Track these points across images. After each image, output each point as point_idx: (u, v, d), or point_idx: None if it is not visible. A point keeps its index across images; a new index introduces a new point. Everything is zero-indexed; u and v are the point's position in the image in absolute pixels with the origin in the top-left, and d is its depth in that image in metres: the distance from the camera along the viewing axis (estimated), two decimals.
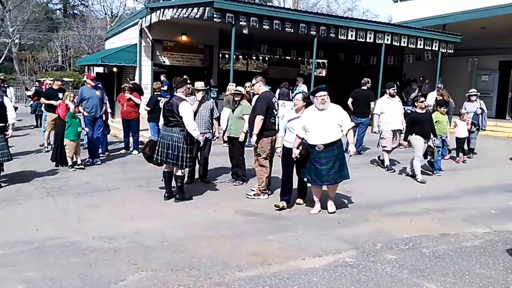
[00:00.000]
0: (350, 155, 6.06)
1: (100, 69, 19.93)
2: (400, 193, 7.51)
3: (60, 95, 10.70)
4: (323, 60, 23.41)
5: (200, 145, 7.21)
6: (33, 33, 38.31)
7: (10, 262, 4.26)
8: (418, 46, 16.00)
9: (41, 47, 39.74)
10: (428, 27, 16.70)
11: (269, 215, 5.96)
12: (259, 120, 6.48)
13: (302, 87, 14.56)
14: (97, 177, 8.00)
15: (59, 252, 4.54)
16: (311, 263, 4.44)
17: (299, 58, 20.82)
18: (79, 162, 8.66)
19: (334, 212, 6.09)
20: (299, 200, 6.59)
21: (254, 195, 6.76)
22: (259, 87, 6.91)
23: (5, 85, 16.60)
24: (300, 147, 5.94)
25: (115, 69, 16.86)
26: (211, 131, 7.71)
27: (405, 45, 15.78)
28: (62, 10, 48.78)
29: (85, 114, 9.24)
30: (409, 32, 15.70)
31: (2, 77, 18.28)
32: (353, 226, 5.67)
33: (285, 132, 6.33)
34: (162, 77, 14.49)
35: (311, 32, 13.67)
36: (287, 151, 6.23)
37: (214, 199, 6.74)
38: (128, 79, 13.82)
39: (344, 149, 6.25)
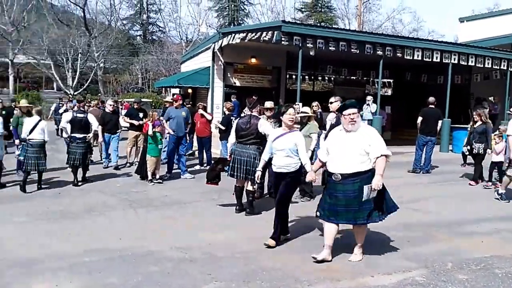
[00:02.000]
0: (372, 189, 4.64)
1: (176, 91, 21.09)
2: (470, 212, 7.29)
3: (141, 114, 11.56)
4: (388, 80, 23.07)
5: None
6: (116, 58, 41.43)
7: (96, 268, 4.66)
8: (486, 65, 15.50)
9: (123, 70, 42.76)
10: (495, 46, 16.12)
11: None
12: None
13: (373, 106, 14.49)
14: (174, 191, 8.52)
15: (139, 261, 4.89)
16: (380, 280, 4.44)
17: (365, 78, 20.75)
18: (157, 177, 9.25)
19: (360, 260, 4.95)
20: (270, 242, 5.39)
21: None
22: (338, 106, 7.07)
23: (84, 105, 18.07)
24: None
25: (190, 90, 17.80)
26: None
27: (473, 64, 15.35)
28: (142, 36, 52.28)
29: (171, 132, 9.76)
30: (476, 51, 15.31)
31: (81, 98, 19.93)
32: (422, 244, 5.58)
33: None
34: (233, 98, 15.08)
35: (377, 53, 13.67)
36: (275, 176, 5.65)
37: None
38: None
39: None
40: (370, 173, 4.70)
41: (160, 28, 52.78)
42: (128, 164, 11.34)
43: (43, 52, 36.50)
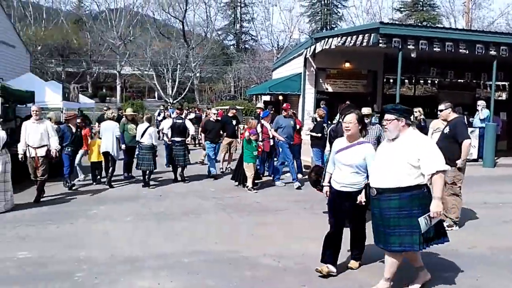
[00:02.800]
0: (430, 217, 3.84)
1: (267, 98, 21.37)
2: None
3: (234, 121, 11.83)
4: (503, 83, 21.06)
5: None
6: (211, 67, 43.25)
7: (195, 270, 4.82)
8: None
9: (217, 79, 44.48)
10: None
11: (451, 252, 5.31)
12: (467, 144, 6.25)
13: (484, 112, 13.33)
14: (266, 198, 8.58)
15: (234, 265, 4.96)
16: None
17: (474, 81, 19.14)
18: (248, 183, 9.35)
19: None
20: (352, 263, 4.89)
21: (447, 226, 6.21)
22: (449, 113, 6.66)
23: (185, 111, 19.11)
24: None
25: (280, 97, 17.91)
26: None
27: None
28: (235, 45, 53.98)
29: (282, 139, 9.82)
30: None
31: (180, 105, 21.12)
32: None
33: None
34: (322, 104, 14.85)
35: (490, 53, 12.54)
36: (336, 194, 4.65)
37: None
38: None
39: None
40: (417, 192, 3.90)
41: (253, 37, 54.23)
42: (220, 170, 11.65)
43: (146, 64, 39.28)
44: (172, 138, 10.22)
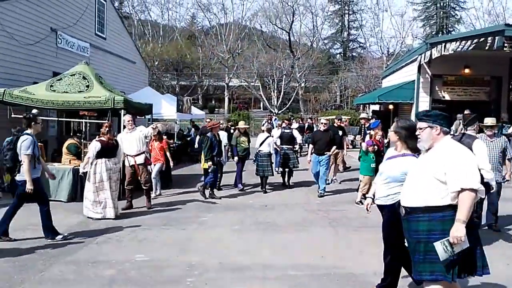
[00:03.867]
0: (450, 242, 3.24)
1: (376, 107, 20.57)
2: None
3: (340, 132, 11.52)
4: None
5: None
6: (316, 77, 43.07)
7: (301, 283, 4.70)
8: None
9: (323, 89, 44.13)
10: None
11: None
12: None
13: None
14: (374, 212, 8.12)
15: (341, 282, 4.75)
16: None
17: None
18: (358, 197, 8.94)
19: None
20: None
21: None
22: None
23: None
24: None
25: (391, 107, 17.09)
26: (502, 173, 6.82)
27: None
28: (342, 54, 53.23)
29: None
30: None
31: (290, 117, 21.27)
32: None
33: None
34: (371, 116, 13.82)
35: None
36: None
37: (509, 251, 5.88)
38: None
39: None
40: (449, 212, 3.31)
41: (361, 44, 53.05)
42: (328, 181, 11.37)
43: (253, 75, 40.46)
44: (281, 146, 11.01)
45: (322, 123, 10.61)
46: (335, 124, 12.10)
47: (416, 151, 4.02)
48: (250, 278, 4.84)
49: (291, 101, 39.58)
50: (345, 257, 5.59)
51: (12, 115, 9.53)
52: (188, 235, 6.55)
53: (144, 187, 8.41)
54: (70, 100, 9.29)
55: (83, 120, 10.67)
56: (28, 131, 6.17)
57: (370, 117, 13.36)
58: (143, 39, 43.29)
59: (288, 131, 11.40)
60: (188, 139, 16.69)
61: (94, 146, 7.41)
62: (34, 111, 9.64)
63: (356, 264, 5.32)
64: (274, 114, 34.25)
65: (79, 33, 14.36)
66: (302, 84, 41.62)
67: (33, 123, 6.22)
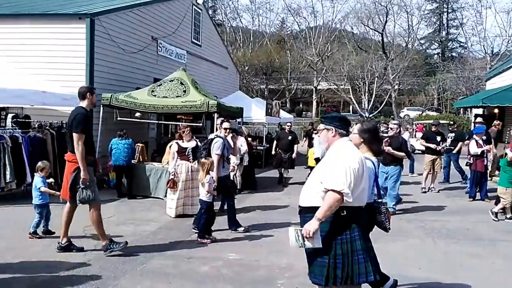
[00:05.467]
0: (303, 236, 3.25)
1: (479, 111, 19.13)
2: None
3: (438, 138, 10.88)
4: None
5: None
6: (411, 79, 41.12)
7: None
8: None
9: (419, 91, 42.07)
10: None
11: None
12: None
13: None
14: (478, 225, 7.56)
15: None
16: None
17: None
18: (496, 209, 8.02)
19: None
20: None
21: None
22: None
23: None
24: None
25: (496, 110, 15.78)
26: None
27: None
28: (440, 54, 50.36)
29: None
30: None
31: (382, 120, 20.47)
32: None
33: None
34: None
35: None
36: None
37: None
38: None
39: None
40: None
41: (461, 44, 49.84)
42: (422, 190, 10.81)
43: (342, 78, 39.75)
44: None
45: (390, 128, 8.91)
46: (433, 129, 11.47)
47: (378, 155, 4.07)
48: None
49: (383, 104, 38.22)
50: (443, 271, 5.26)
51: (118, 118, 10.36)
52: (277, 237, 6.59)
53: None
54: (169, 104, 9.87)
55: (180, 123, 11.26)
56: (221, 134, 7.10)
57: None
58: (234, 45, 44.66)
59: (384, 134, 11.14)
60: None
61: (173, 148, 7.83)
62: (137, 114, 10.41)
63: (456, 279, 4.99)
64: (365, 118, 33.36)
65: (177, 41, 15.19)
66: (396, 87, 40.00)
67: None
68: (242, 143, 9.69)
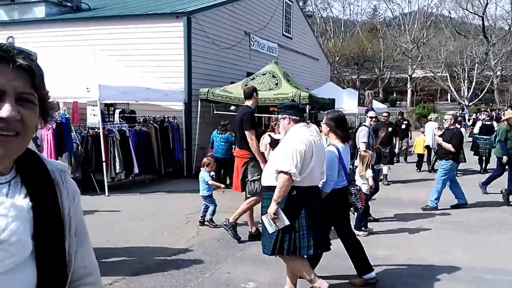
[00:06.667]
0: (272, 219, 3.64)
1: None
2: None
3: None
4: None
5: None
6: None
7: None
8: None
9: None
10: None
11: None
12: None
13: None
14: None
15: None
16: None
17: None
18: None
19: None
20: None
21: None
22: None
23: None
24: None
25: None
26: None
27: None
28: None
29: None
30: None
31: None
32: None
33: None
34: None
35: None
36: None
37: None
38: None
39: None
40: (274, 191, 3.65)
41: None
42: None
43: (440, 66, 37.45)
44: (479, 136, 12.07)
45: (445, 119, 8.41)
46: None
47: (346, 140, 4.37)
48: (443, 279, 4.56)
49: (484, 91, 35.37)
50: None
51: (215, 112, 10.82)
52: (374, 228, 6.46)
53: None
54: (262, 97, 10.04)
55: (273, 116, 11.45)
56: (366, 123, 7.28)
57: None
58: (324, 36, 44.09)
59: (488, 123, 12.32)
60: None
61: (265, 140, 7.91)
62: (232, 107, 10.78)
63: None
64: (465, 106, 31.21)
65: (269, 34, 15.41)
66: (498, 73, 36.77)
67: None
68: None
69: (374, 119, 7.40)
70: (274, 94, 10.01)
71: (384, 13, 51.26)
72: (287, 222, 3.60)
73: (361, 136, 6.92)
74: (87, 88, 8.39)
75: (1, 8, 13.41)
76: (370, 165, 6.12)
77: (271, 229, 3.67)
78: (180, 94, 10.73)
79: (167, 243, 5.71)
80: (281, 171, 3.57)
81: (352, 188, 4.35)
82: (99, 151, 8.57)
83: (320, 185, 3.97)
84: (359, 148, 6.86)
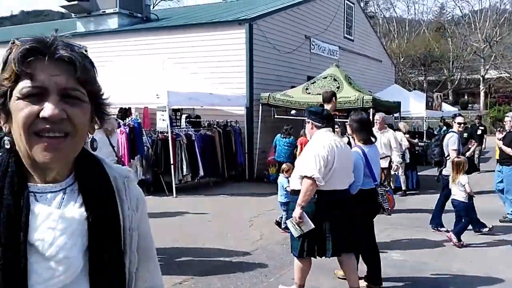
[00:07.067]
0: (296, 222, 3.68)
1: None
2: None
3: None
4: None
5: None
6: None
7: None
8: None
9: None
10: None
11: None
12: None
13: None
14: None
15: None
16: None
17: None
18: None
19: None
20: None
21: None
22: None
23: None
24: None
25: None
26: None
27: None
28: None
29: None
30: None
31: None
32: None
33: None
34: None
35: None
36: None
37: None
38: None
39: None
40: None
41: None
42: None
43: None
44: None
45: (505, 121, 7.84)
46: None
47: (368, 143, 4.32)
48: None
49: None
50: None
51: (275, 116, 10.88)
52: (443, 238, 6.17)
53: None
54: None
55: (335, 120, 11.32)
56: (454, 129, 6.86)
57: None
58: (388, 37, 42.88)
59: None
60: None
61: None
62: (293, 111, 10.79)
63: None
64: None
65: (329, 37, 15.26)
66: None
67: None
68: (402, 138, 9.26)
69: (462, 125, 6.92)
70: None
71: (452, 11, 49.03)
72: (312, 226, 3.67)
73: (451, 143, 6.47)
74: (157, 95, 8.77)
75: (78, 20, 14.42)
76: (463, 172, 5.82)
77: (296, 233, 3.74)
78: (242, 99, 10.92)
79: (232, 245, 5.81)
80: (305, 176, 3.66)
81: (379, 189, 4.32)
82: (167, 154, 8.94)
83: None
84: (447, 155, 6.50)
